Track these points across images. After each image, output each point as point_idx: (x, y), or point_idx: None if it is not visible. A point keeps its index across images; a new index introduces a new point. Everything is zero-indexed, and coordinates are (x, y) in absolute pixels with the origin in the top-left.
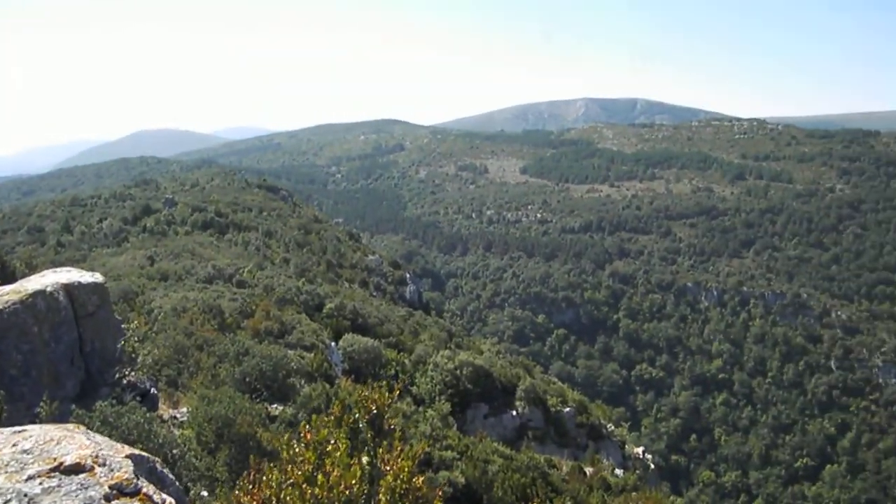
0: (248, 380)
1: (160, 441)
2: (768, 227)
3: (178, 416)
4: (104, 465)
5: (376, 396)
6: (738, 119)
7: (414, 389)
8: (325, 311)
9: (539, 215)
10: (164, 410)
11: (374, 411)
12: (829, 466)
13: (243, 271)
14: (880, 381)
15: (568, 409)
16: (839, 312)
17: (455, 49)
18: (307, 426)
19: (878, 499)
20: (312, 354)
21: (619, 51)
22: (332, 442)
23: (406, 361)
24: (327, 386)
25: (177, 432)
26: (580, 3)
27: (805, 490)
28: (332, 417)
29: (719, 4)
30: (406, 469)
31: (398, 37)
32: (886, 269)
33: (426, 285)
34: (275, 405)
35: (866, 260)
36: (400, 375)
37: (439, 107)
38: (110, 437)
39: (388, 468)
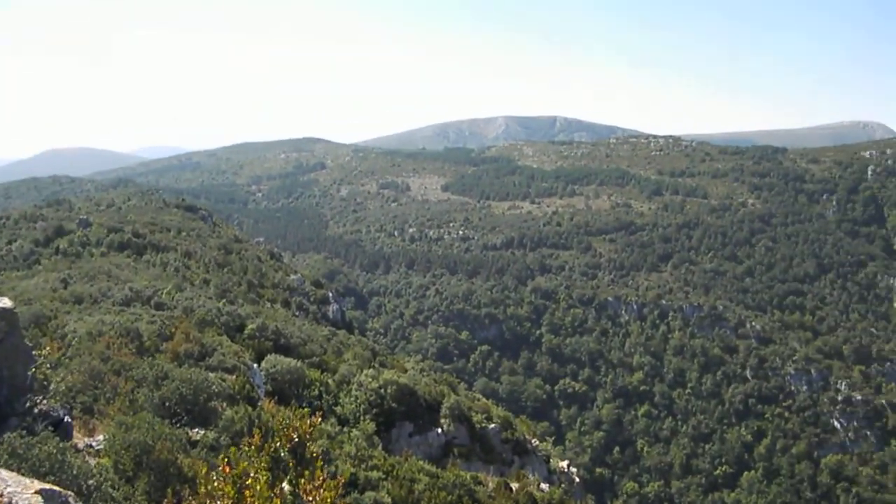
0: (167, 404)
1: (74, 472)
2: (685, 242)
3: (94, 444)
4: (10, 503)
5: (298, 423)
6: (655, 136)
7: (338, 409)
8: (246, 332)
9: (461, 232)
10: (79, 439)
11: (296, 439)
12: (746, 473)
13: (162, 293)
14: (792, 388)
15: (493, 425)
16: (753, 323)
17: (375, 67)
18: (226, 459)
19: (793, 502)
20: (234, 377)
21: (537, 69)
22: (252, 474)
23: (330, 381)
24: (250, 409)
25: (92, 461)
26: (498, 23)
27: (724, 497)
28: (253, 446)
29: (631, 24)
30: (328, 500)
31: (318, 55)
32: (796, 280)
33: (349, 304)
34: (196, 429)
35: (777, 272)
36: (324, 396)
37: (361, 125)
38: (19, 470)
39: (310, 499)
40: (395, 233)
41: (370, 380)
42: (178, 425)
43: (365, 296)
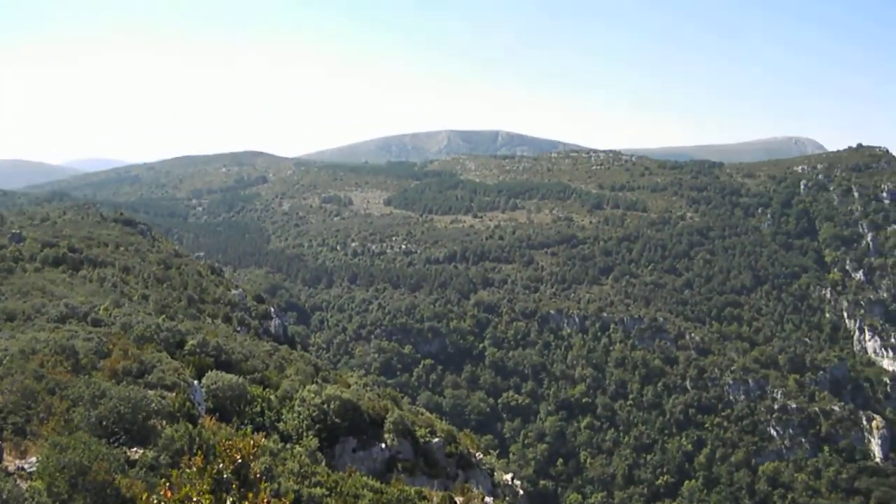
0: (104, 423)
1: (4, 497)
2: (625, 255)
3: (25, 466)
4: None
5: (241, 444)
6: (595, 150)
7: (281, 426)
8: (186, 348)
9: (404, 246)
10: (10, 462)
11: (239, 459)
12: (687, 482)
13: (99, 309)
14: (731, 397)
15: (437, 439)
16: (692, 334)
17: (317, 79)
18: (167, 483)
19: None
20: (174, 394)
21: (479, 83)
22: (195, 498)
23: (272, 397)
24: (190, 426)
25: (24, 485)
26: (440, 37)
27: None
28: (195, 468)
29: (570, 41)
30: None
31: (259, 67)
32: (733, 291)
33: (291, 319)
34: (134, 448)
35: (715, 284)
36: (266, 412)
37: (303, 138)
38: None
39: None
40: (338, 247)
41: (313, 395)
42: (115, 445)
43: (307, 310)
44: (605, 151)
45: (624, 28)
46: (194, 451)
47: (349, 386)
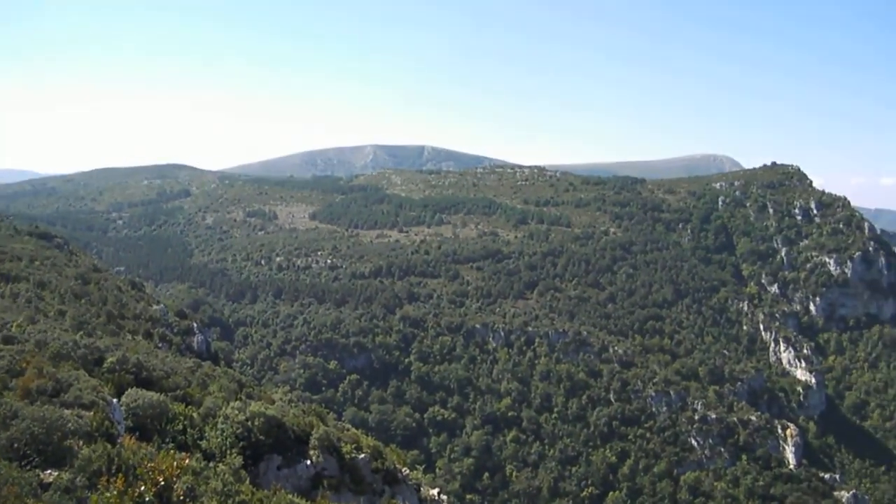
0: (16, 445)
1: None
2: (550, 269)
3: None
4: None
5: (164, 465)
6: (520, 166)
7: (203, 444)
8: (105, 365)
9: (329, 261)
10: None
11: (162, 482)
12: (611, 493)
13: (12, 326)
14: (653, 409)
15: (363, 455)
16: (616, 348)
17: (241, 93)
18: None
19: None
20: (92, 413)
21: (405, 98)
22: None
23: (194, 415)
24: (109, 446)
25: None
26: (364, 50)
27: None
28: (115, 491)
29: (496, 57)
30: None
31: (178, 78)
32: (655, 305)
33: (214, 335)
34: (49, 471)
35: (637, 298)
36: (188, 430)
37: (227, 152)
38: None
39: None
40: (262, 261)
41: (237, 412)
42: (28, 468)
43: (231, 326)
44: (529, 167)
45: (548, 47)
46: (113, 471)
47: (274, 402)
